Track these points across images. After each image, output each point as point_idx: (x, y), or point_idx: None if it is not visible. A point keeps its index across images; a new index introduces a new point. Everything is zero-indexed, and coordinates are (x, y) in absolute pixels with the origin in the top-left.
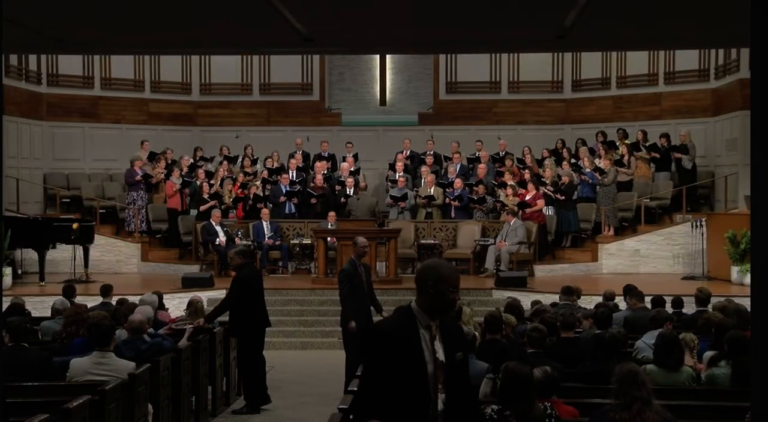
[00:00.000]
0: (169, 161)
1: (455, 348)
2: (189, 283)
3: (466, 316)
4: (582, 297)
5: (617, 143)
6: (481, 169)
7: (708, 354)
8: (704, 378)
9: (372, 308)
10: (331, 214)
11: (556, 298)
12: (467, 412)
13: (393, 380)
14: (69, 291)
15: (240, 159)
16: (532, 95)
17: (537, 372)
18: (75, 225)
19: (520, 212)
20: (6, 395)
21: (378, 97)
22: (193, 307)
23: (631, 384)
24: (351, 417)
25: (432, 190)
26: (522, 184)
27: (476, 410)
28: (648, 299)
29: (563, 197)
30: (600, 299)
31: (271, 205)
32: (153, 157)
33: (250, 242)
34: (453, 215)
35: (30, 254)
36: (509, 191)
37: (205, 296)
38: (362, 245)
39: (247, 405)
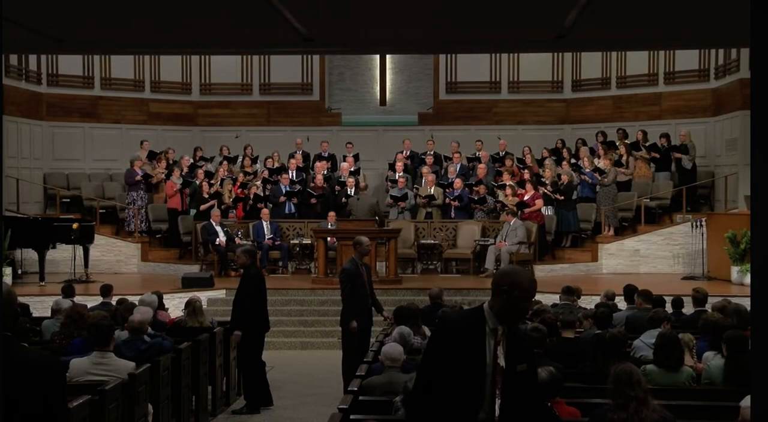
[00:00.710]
0: (170, 161)
1: (519, 359)
2: (189, 283)
3: None
4: (582, 297)
5: (617, 143)
6: (481, 169)
7: (708, 354)
8: (703, 377)
9: (372, 308)
10: (331, 214)
11: (556, 298)
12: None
13: (450, 375)
14: (68, 291)
15: (240, 159)
16: (532, 95)
17: (543, 373)
18: (75, 225)
19: (520, 212)
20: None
21: (378, 97)
22: (192, 307)
23: (626, 384)
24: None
25: (432, 190)
26: (521, 184)
27: (545, 418)
28: None
29: (562, 197)
30: (600, 299)
31: (271, 205)
32: (153, 156)
33: (250, 242)
34: (453, 215)
35: (30, 254)
36: (508, 191)
37: (205, 296)
38: (366, 245)
39: (247, 404)
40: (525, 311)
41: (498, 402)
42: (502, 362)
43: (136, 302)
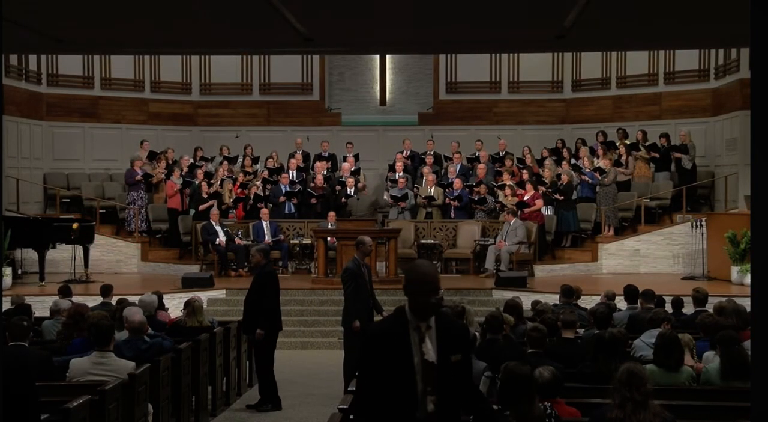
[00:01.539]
0: (170, 161)
1: (451, 350)
2: (189, 283)
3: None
4: (582, 297)
5: (617, 143)
6: (481, 169)
7: (708, 354)
8: (701, 380)
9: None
10: (331, 214)
11: (556, 298)
12: (469, 411)
13: (383, 380)
14: (65, 291)
15: (240, 159)
16: (532, 95)
17: (545, 373)
18: (75, 225)
19: (520, 212)
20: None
21: (378, 97)
22: (191, 307)
23: (625, 385)
24: (351, 416)
25: (432, 190)
26: (521, 184)
27: (482, 408)
28: None
29: (562, 197)
30: (600, 299)
31: (271, 205)
32: (153, 156)
33: (250, 242)
34: (453, 215)
35: (30, 254)
36: (508, 191)
37: (205, 296)
38: (369, 245)
39: (262, 401)
40: (426, 305)
41: (431, 398)
42: (430, 357)
43: (136, 302)
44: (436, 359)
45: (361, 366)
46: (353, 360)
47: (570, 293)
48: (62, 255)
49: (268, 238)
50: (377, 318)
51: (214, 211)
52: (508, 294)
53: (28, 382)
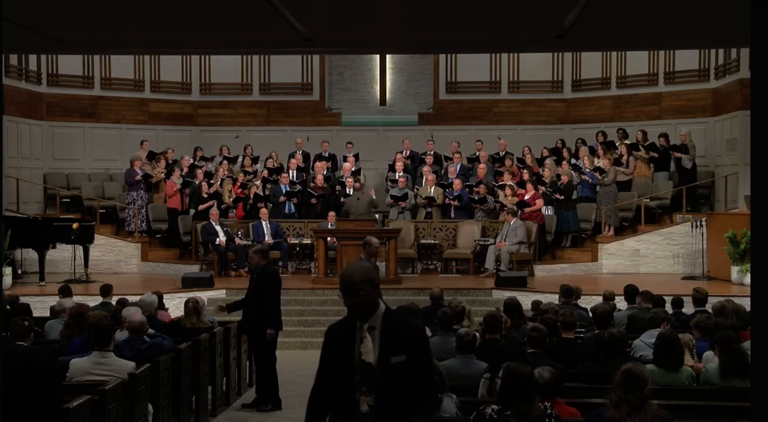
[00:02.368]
0: (170, 161)
1: (395, 350)
2: (189, 283)
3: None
4: (582, 297)
5: (617, 143)
6: (481, 169)
7: (708, 353)
8: (701, 380)
9: None
10: (331, 214)
11: (556, 298)
12: (396, 415)
13: (328, 375)
14: (65, 291)
15: (240, 159)
16: (532, 95)
17: (545, 373)
18: (75, 225)
19: (520, 211)
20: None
21: (378, 97)
22: (188, 307)
23: (621, 386)
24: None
25: (432, 190)
26: (521, 184)
27: (408, 413)
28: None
29: (562, 197)
30: (600, 299)
31: (271, 205)
32: (153, 156)
33: (250, 242)
34: (452, 215)
35: (30, 254)
36: (508, 191)
37: (205, 296)
38: (375, 245)
39: (261, 400)
40: (349, 307)
41: (366, 398)
42: (367, 358)
43: (136, 302)
44: (377, 360)
45: (319, 364)
46: None
47: (569, 293)
48: (62, 255)
49: (268, 238)
50: None
51: (214, 211)
52: (508, 294)
53: (54, 382)
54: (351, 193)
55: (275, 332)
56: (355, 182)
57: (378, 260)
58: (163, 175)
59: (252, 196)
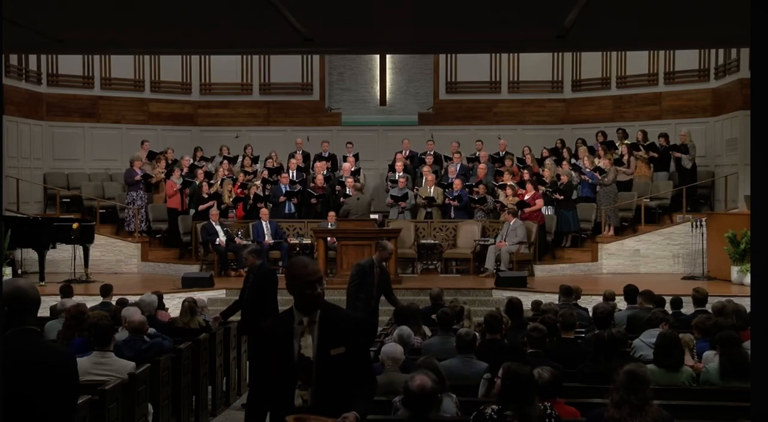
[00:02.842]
0: (170, 161)
1: (333, 343)
2: (189, 283)
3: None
4: (582, 297)
5: (617, 143)
6: (481, 169)
7: (708, 353)
8: (701, 380)
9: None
10: (331, 214)
11: (556, 298)
12: (336, 407)
13: (266, 371)
14: (66, 291)
15: (240, 159)
16: (532, 95)
17: (545, 373)
18: (75, 225)
19: (520, 211)
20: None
21: (378, 97)
22: (184, 306)
23: (624, 387)
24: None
25: (432, 190)
26: (521, 184)
27: (345, 405)
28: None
29: (561, 197)
30: (600, 299)
31: (271, 205)
32: (153, 156)
33: (250, 242)
34: (452, 215)
35: (30, 254)
36: (508, 191)
37: (205, 296)
38: (389, 250)
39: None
40: (312, 297)
41: (302, 392)
42: (307, 352)
43: (137, 302)
44: (315, 353)
45: (251, 360)
46: None
47: (569, 293)
48: (62, 255)
49: (268, 238)
50: (382, 317)
51: (214, 211)
52: (508, 294)
53: (66, 384)
54: (351, 193)
55: None
56: (355, 181)
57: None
58: (163, 175)
59: (252, 196)
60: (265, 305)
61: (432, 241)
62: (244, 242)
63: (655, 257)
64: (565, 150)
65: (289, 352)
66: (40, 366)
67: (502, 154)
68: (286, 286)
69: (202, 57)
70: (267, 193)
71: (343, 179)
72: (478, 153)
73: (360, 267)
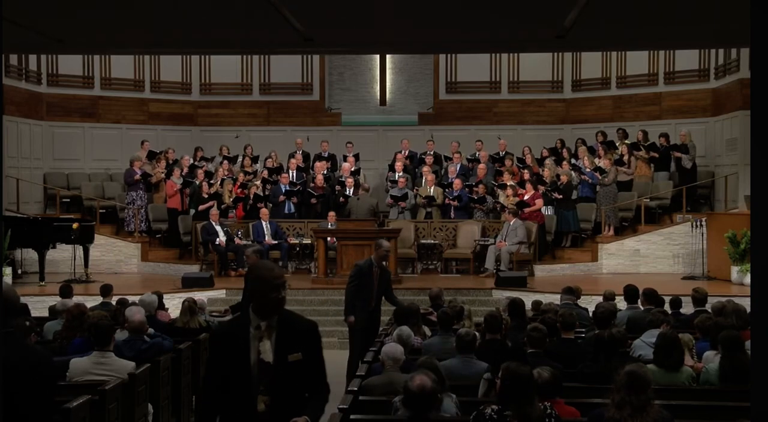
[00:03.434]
0: (170, 161)
1: (291, 349)
2: (189, 283)
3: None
4: (582, 297)
5: (617, 143)
6: (481, 169)
7: (708, 353)
8: (701, 380)
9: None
10: (331, 214)
11: (555, 298)
12: (292, 412)
13: (223, 376)
14: (66, 291)
15: (240, 159)
16: (532, 95)
17: (545, 373)
18: (75, 225)
19: (520, 211)
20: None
21: (378, 97)
22: (184, 306)
23: (625, 387)
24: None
25: (432, 190)
26: (521, 184)
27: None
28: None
29: (560, 196)
30: (600, 299)
31: (271, 205)
32: (152, 156)
33: (249, 242)
34: (452, 215)
35: (30, 254)
36: (509, 191)
37: (205, 296)
38: (384, 248)
39: None
40: (277, 301)
41: (263, 398)
42: (266, 357)
43: (136, 302)
44: (274, 358)
45: (207, 364)
46: (354, 360)
47: (571, 292)
48: (62, 255)
49: (268, 238)
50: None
51: (214, 211)
52: (508, 294)
53: (46, 383)
54: (350, 193)
55: None
56: (356, 182)
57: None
58: (162, 175)
59: (252, 196)
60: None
61: (432, 241)
62: (244, 242)
63: (655, 257)
64: (565, 150)
65: (246, 357)
66: (20, 367)
67: (502, 154)
68: (249, 289)
69: (202, 57)
70: (267, 193)
71: (343, 179)
72: (478, 153)
73: (358, 268)
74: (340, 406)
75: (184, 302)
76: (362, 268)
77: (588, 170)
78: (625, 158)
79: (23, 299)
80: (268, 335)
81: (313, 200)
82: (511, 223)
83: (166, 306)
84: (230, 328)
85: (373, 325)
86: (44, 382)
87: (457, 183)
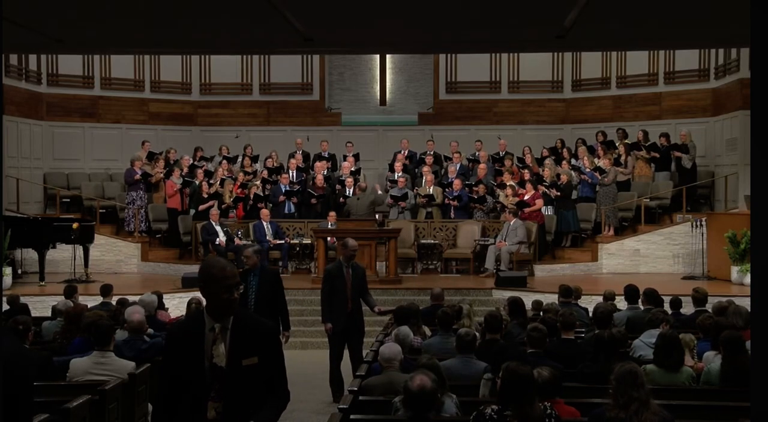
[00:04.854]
0: (171, 161)
1: (246, 352)
2: (189, 283)
3: (470, 315)
4: (582, 297)
5: (616, 143)
6: (481, 169)
7: (708, 354)
8: (702, 380)
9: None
10: (332, 214)
11: (556, 298)
12: (246, 419)
13: (175, 379)
14: (69, 291)
15: (240, 159)
16: (532, 95)
17: (544, 372)
18: (75, 225)
19: (520, 211)
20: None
21: (378, 97)
22: (190, 308)
23: (630, 385)
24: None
25: (432, 190)
26: (521, 184)
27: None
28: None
29: (559, 194)
30: (600, 299)
31: (271, 205)
32: (152, 156)
33: (250, 242)
34: (452, 215)
35: (30, 254)
36: (508, 191)
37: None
38: (352, 247)
39: None
40: (229, 301)
41: (215, 404)
42: (219, 361)
43: (137, 302)
44: (227, 363)
45: (161, 366)
46: (333, 364)
47: (569, 293)
48: (62, 255)
49: (270, 238)
50: (372, 317)
51: (214, 211)
52: (508, 294)
53: (20, 383)
54: (350, 193)
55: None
56: (356, 182)
57: (378, 260)
58: (162, 175)
59: (252, 196)
60: (276, 307)
61: (432, 241)
62: (244, 242)
63: (655, 257)
64: (564, 150)
65: (200, 361)
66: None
67: (502, 154)
68: (204, 288)
69: (202, 57)
70: (267, 193)
71: (344, 179)
72: (478, 153)
73: (327, 272)
74: (340, 406)
75: (190, 302)
76: (331, 271)
77: (588, 169)
78: (623, 158)
79: (23, 299)
80: (222, 337)
81: (313, 200)
82: (511, 223)
83: (166, 306)
84: (184, 329)
85: (356, 326)
86: (14, 382)
87: (457, 183)
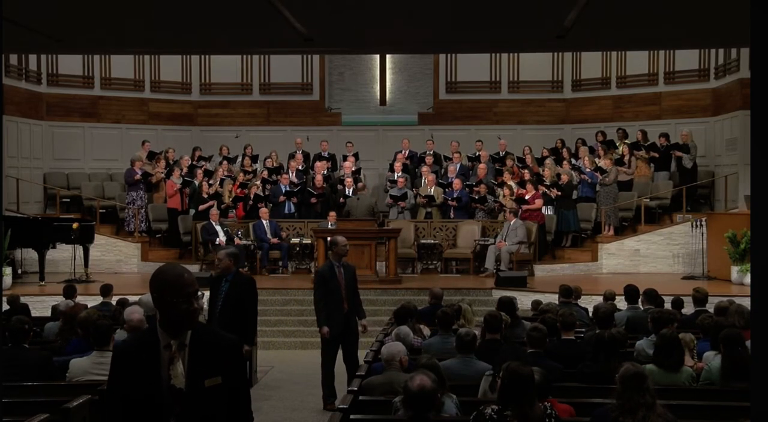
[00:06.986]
0: (171, 161)
1: (208, 371)
2: None
3: (468, 314)
4: (582, 297)
5: (617, 143)
6: (481, 169)
7: (708, 353)
8: (702, 378)
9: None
10: (332, 214)
11: (556, 298)
12: None
13: (129, 408)
14: (69, 291)
15: (240, 159)
16: (532, 95)
17: (535, 374)
18: (75, 225)
19: (520, 210)
20: (3, 395)
21: (378, 97)
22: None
23: (636, 389)
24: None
25: (432, 190)
26: (521, 184)
27: None
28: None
29: (559, 192)
30: (600, 299)
31: (271, 205)
32: (152, 156)
33: (250, 242)
34: (452, 215)
35: (30, 254)
36: (506, 191)
37: (205, 296)
38: (342, 245)
39: None
40: (187, 313)
41: None
42: (177, 382)
43: (137, 302)
44: (186, 384)
45: (108, 386)
46: (327, 368)
47: (568, 293)
48: (62, 255)
49: (271, 237)
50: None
51: (214, 211)
52: (509, 294)
53: None
54: (350, 193)
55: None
56: (356, 181)
57: (378, 260)
58: (162, 175)
59: (252, 196)
60: (244, 321)
61: (432, 241)
62: (244, 241)
63: (655, 257)
64: (565, 150)
65: (156, 382)
66: None
67: (502, 154)
68: (153, 299)
69: (202, 57)
70: (267, 193)
71: (344, 179)
72: (478, 153)
73: (318, 275)
74: (340, 406)
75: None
76: (324, 273)
77: (588, 169)
78: (626, 158)
79: (23, 299)
80: (179, 356)
81: (313, 200)
82: (511, 223)
83: None
84: (135, 348)
85: (350, 327)
86: None
87: (457, 183)
